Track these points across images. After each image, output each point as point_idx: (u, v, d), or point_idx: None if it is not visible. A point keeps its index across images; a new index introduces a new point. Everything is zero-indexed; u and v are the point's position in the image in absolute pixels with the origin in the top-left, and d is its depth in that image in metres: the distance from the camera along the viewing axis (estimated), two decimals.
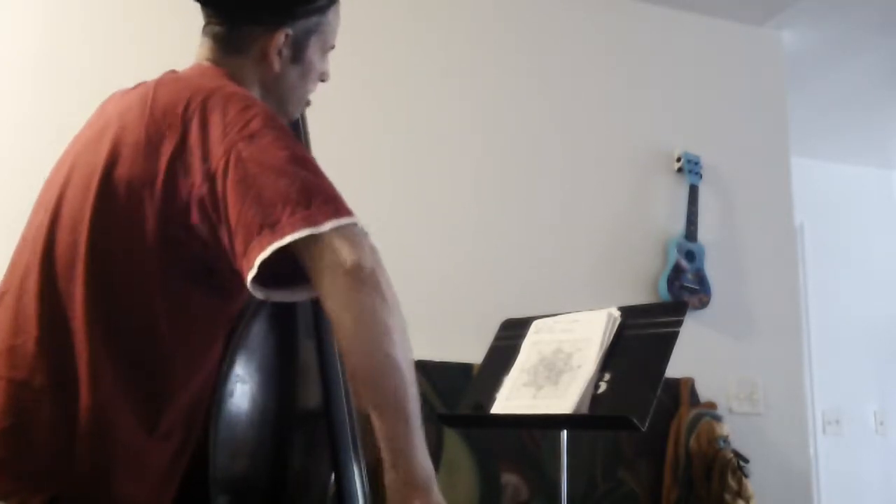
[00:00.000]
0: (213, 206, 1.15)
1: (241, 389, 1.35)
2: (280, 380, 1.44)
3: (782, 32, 3.68)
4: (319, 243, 1.09)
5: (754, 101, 3.60)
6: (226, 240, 1.14)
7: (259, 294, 1.16)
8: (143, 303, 1.20)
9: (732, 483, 2.93)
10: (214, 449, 1.28)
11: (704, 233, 3.33)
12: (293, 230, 1.09)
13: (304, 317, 1.48)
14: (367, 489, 1.49)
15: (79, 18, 2.85)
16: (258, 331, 1.39)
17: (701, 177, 3.37)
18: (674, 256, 3.25)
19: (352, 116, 2.98)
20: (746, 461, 3.00)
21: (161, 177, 1.18)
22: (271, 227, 1.09)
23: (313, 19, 1.38)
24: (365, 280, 1.08)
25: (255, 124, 1.17)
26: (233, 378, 1.34)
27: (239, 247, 1.12)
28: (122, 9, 2.88)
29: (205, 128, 1.18)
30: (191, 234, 1.18)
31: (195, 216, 1.17)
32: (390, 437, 1.09)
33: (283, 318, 1.44)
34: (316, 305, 1.44)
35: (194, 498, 1.27)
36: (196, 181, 1.16)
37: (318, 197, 1.12)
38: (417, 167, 3.08)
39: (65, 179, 1.27)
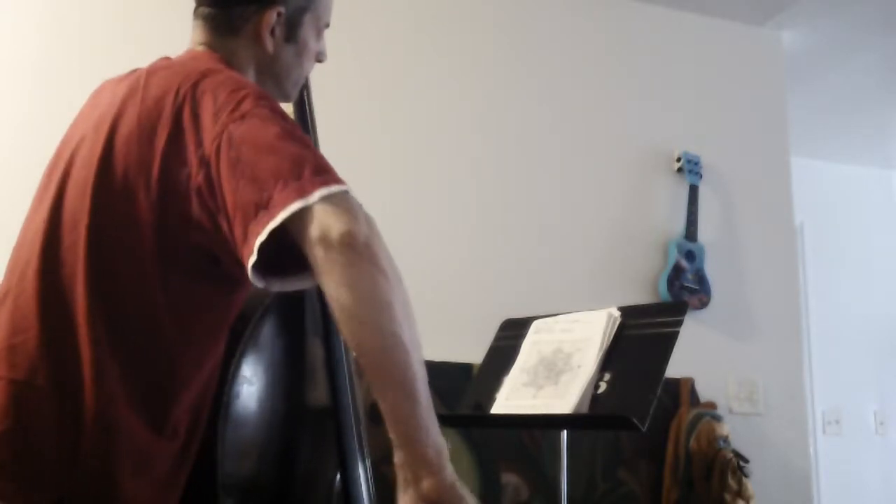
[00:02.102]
0: (210, 192, 1.12)
1: (248, 391, 1.33)
2: (288, 380, 1.42)
3: (782, 32, 3.68)
4: (310, 214, 1.04)
5: (754, 100, 3.60)
6: (225, 227, 1.11)
7: (258, 283, 1.11)
8: (143, 297, 1.18)
9: (732, 483, 2.93)
10: (222, 451, 1.26)
11: (704, 233, 3.33)
12: (284, 204, 1.04)
13: (312, 315, 1.46)
14: (372, 490, 1.47)
15: (78, 18, 2.85)
16: (267, 332, 1.38)
17: (701, 177, 3.37)
18: (674, 256, 3.25)
19: (351, 117, 2.98)
20: (746, 461, 3.00)
21: (157, 166, 1.15)
22: (265, 207, 1.05)
23: None
24: (360, 252, 1.02)
25: (245, 105, 1.13)
26: (239, 380, 1.32)
27: (238, 231, 1.08)
28: (122, 9, 2.88)
29: (196, 113, 1.15)
30: (190, 224, 1.15)
31: (195, 206, 1.14)
32: (397, 417, 1.04)
33: (292, 319, 1.43)
34: (323, 303, 1.39)
35: (200, 498, 1.26)
36: (192, 170, 1.13)
37: (307, 168, 1.07)
38: (417, 167, 3.08)
39: (62, 176, 1.25)
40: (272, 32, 1.33)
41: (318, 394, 1.46)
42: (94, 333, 1.14)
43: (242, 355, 1.32)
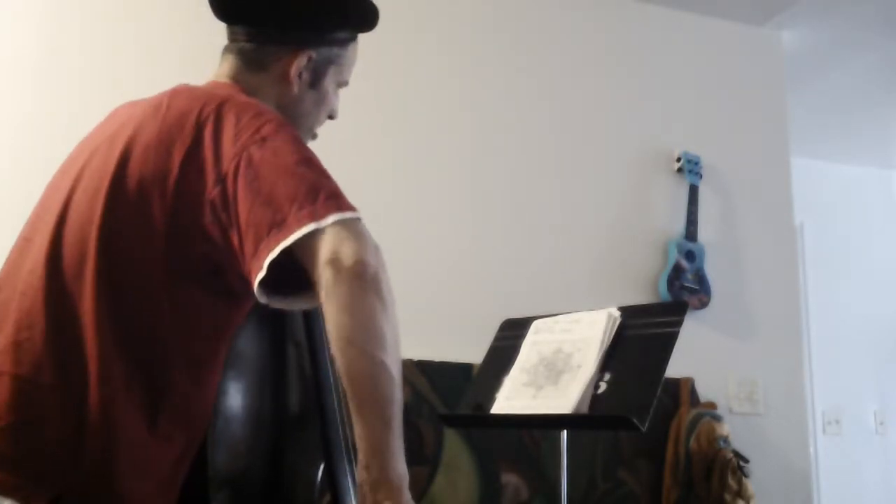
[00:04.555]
0: (224, 207, 1.17)
1: (234, 388, 1.37)
2: (271, 380, 1.47)
3: (782, 32, 3.68)
4: (322, 236, 1.11)
5: (754, 100, 3.60)
6: (236, 241, 1.17)
7: (262, 298, 1.17)
8: (149, 302, 1.21)
9: (732, 483, 2.93)
10: (212, 445, 1.30)
11: (704, 233, 3.33)
12: (298, 226, 1.10)
13: (291, 322, 1.51)
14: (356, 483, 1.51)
15: (78, 18, 2.85)
16: (248, 332, 1.41)
17: (701, 177, 3.37)
18: (674, 256, 3.25)
19: (351, 117, 2.97)
20: (746, 461, 3.00)
21: (173, 176, 1.20)
22: (278, 227, 1.11)
23: (334, 50, 1.45)
24: (368, 281, 1.09)
25: (266, 129, 1.20)
26: (226, 377, 1.35)
27: (249, 248, 1.14)
28: (122, 9, 2.88)
29: (218, 132, 1.21)
30: (200, 234, 1.20)
31: (207, 217, 1.19)
32: (369, 438, 1.10)
33: (272, 320, 1.47)
34: (307, 313, 1.49)
35: (194, 497, 1.28)
36: (208, 183, 1.19)
37: (322, 193, 1.14)
38: (417, 167, 3.08)
39: (73, 183, 1.29)
40: (299, 75, 1.41)
41: (300, 396, 1.51)
42: (101, 334, 1.18)
43: (227, 355, 1.36)
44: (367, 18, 1.50)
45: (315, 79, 1.43)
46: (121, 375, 1.18)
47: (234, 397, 1.37)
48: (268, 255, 1.11)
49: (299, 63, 1.40)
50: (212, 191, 1.18)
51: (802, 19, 3.58)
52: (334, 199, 1.14)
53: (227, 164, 1.18)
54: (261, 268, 1.12)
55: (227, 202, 1.17)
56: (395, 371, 1.11)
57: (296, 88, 1.41)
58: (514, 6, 3.34)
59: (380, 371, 1.09)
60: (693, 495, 2.97)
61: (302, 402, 1.51)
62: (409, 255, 2.92)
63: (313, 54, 1.41)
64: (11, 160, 2.66)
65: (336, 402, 1.51)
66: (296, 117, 1.42)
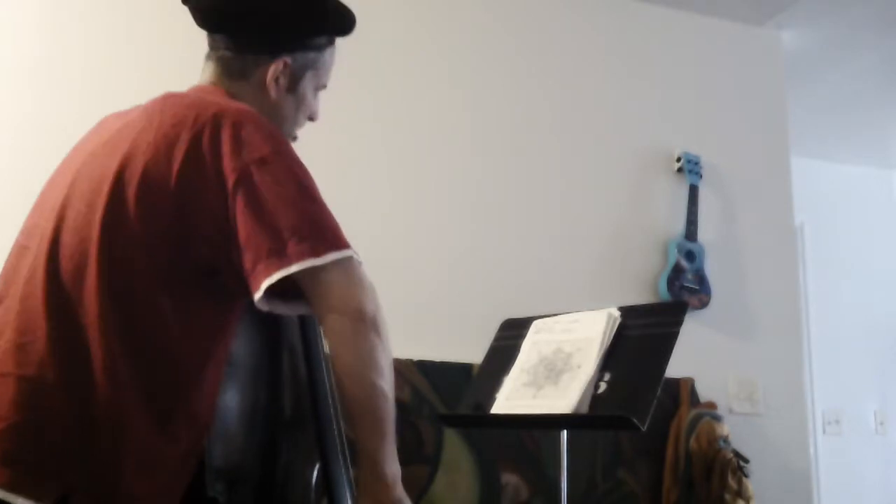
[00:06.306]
0: (224, 215, 1.24)
1: (230, 385, 1.40)
2: (265, 380, 1.50)
3: (782, 32, 3.68)
4: (322, 275, 1.23)
5: (754, 101, 3.60)
6: (234, 253, 1.24)
7: (263, 306, 1.25)
8: (150, 304, 1.25)
9: (732, 483, 2.93)
10: (209, 439, 1.33)
11: (704, 233, 3.33)
12: (299, 260, 1.21)
13: (288, 327, 1.54)
14: (352, 484, 1.55)
15: (78, 20, 2.85)
16: (243, 336, 1.44)
17: (701, 177, 3.37)
18: (674, 256, 3.25)
19: (352, 118, 2.98)
20: (746, 461, 3.00)
21: (173, 183, 1.25)
22: (278, 255, 1.21)
23: (311, 55, 1.50)
24: (368, 325, 1.23)
25: (266, 149, 1.26)
26: (223, 375, 1.38)
27: (247, 264, 1.22)
28: (122, 10, 2.88)
29: (216, 139, 1.26)
30: (201, 237, 1.26)
31: (208, 223, 1.25)
32: (369, 447, 1.27)
33: (267, 325, 1.49)
34: (304, 327, 1.54)
35: (192, 487, 1.31)
36: (210, 191, 1.24)
37: (322, 229, 1.24)
38: (417, 167, 3.08)
39: (68, 188, 1.32)
40: (276, 80, 1.46)
41: (294, 399, 1.55)
42: (106, 336, 1.21)
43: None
44: (344, 24, 1.53)
45: (293, 84, 1.48)
46: (127, 375, 1.21)
47: (230, 394, 1.41)
48: (266, 280, 1.20)
49: (276, 69, 1.45)
50: (213, 199, 1.24)
51: (802, 19, 3.58)
52: (333, 237, 1.24)
53: (228, 176, 1.24)
54: (258, 289, 1.21)
55: (226, 211, 1.23)
56: (389, 392, 1.27)
57: (274, 94, 1.46)
58: (514, 7, 3.34)
59: (378, 394, 1.25)
60: (693, 495, 2.97)
61: (296, 404, 1.54)
62: (409, 254, 2.93)
63: (289, 60, 1.46)
64: (11, 160, 2.66)
65: (332, 405, 1.54)
66: (276, 122, 1.45)
